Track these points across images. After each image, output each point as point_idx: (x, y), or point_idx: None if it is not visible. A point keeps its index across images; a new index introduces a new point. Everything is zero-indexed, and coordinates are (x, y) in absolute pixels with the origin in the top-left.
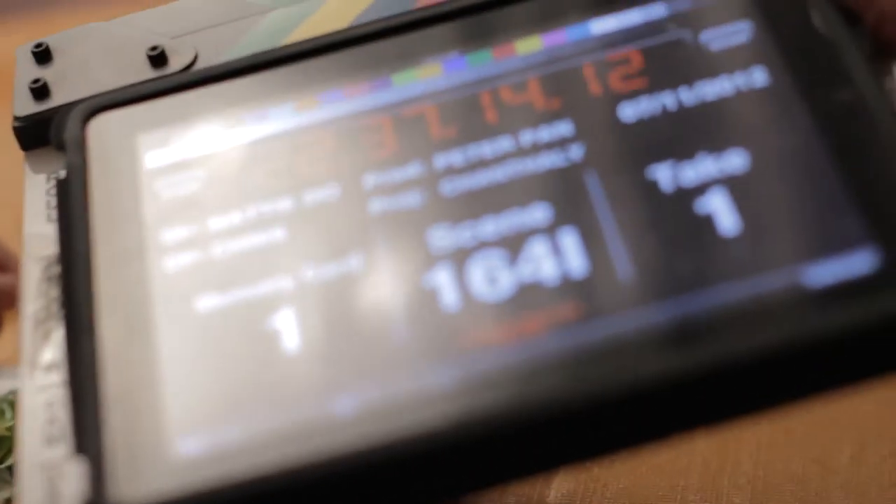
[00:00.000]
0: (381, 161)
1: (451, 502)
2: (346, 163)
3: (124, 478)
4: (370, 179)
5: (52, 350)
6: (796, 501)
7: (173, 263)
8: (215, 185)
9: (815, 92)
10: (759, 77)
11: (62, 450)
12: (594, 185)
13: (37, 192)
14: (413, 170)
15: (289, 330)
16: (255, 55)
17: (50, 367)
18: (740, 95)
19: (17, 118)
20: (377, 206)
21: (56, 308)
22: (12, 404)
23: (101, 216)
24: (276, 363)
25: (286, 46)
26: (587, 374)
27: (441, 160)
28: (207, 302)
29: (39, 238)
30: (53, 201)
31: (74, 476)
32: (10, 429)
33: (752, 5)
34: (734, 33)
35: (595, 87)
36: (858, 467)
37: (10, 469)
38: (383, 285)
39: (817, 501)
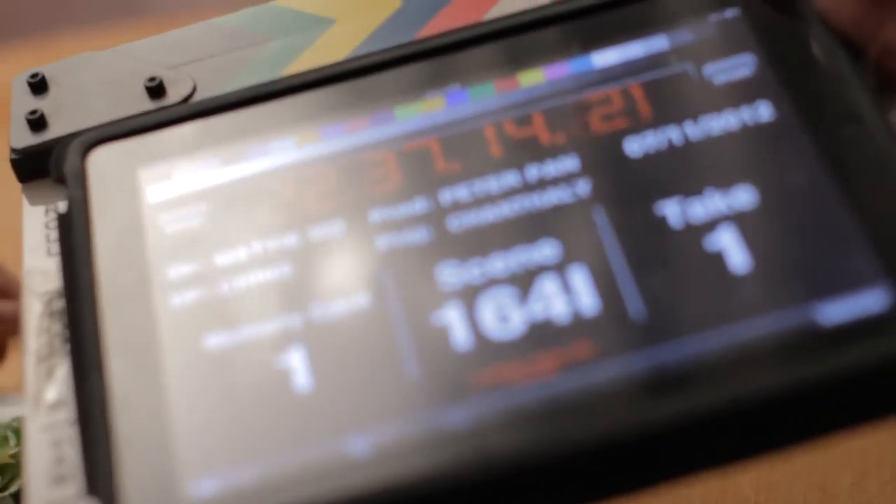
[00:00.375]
0: (386, 196)
1: None
2: (351, 198)
3: None
4: (376, 215)
5: (57, 387)
6: None
7: (180, 300)
8: (219, 219)
9: (821, 127)
10: (764, 112)
11: (71, 490)
12: (602, 221)
13: (35, 224)
14: (419, 205)
15: (299, 368)
16: (255, 87)
17: (55, 405)
18: (746, 130)
19: (14, 150)
20: (384, 241)
21: (59, 344)
22: (17, 431)
23: (104, 251)
24: (288, 402)
25: (287, 78)
26: (601, 414)
27: (447, 195)
28: (215, 340)
29: (40, 273)
30: (53, 234)
31: None
32: (15, 455)
33: (755, 38)
34: (737, 66)
35: (599, 122)
36: (859, 493)
37: (13, 496)
38: (393, 323)
39: None
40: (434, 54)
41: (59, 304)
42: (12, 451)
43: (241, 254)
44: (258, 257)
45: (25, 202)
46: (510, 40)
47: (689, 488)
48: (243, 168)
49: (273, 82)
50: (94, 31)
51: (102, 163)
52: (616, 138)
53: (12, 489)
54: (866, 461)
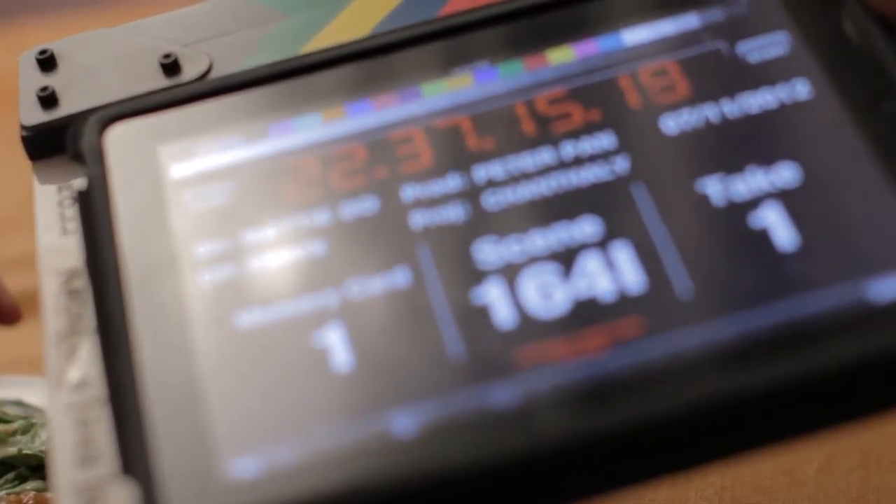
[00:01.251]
0: (418, 173)
1: None
2: (381, 175)
3: (177, 500)
4: (409, 192)
5: (81, 367)
6: None
7: (209, 278)
8: (246, 197)
9: (859, 103)
10: (801, 89)
11: (101, 470)
12: (643, 199)
13: (48, 203)
14: (453, 182)
15: (338, 346)
16: (277, 63)
17: (79, 386)
18: (784, 108)
19: (24, 127)
20: (419, 219)
21: (80, 323)
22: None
23: (126, 228)
24: (327, 381)
25: (309, 55)
26: (651, 392)
27: (481, 172)
28: (248, 318)
29: (55, 251)
30: (67, 212)
31: (122, 498)
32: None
33: (787, 15)
34: (771, 45)
35: (634, 99)
36: (826, 478)
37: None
38: (433, 301)
39: None
40: (461, 31)
41: (78, 282)
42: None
43: (270, 231)
44: (289, 234)
45: (36, 181)
46: (538, 18)
47: None
48: (268, 145)
49: (296, 59)
50: (99, 9)
51: (121, 139)
52: (652, 115)
53: None
54: (833, 446)
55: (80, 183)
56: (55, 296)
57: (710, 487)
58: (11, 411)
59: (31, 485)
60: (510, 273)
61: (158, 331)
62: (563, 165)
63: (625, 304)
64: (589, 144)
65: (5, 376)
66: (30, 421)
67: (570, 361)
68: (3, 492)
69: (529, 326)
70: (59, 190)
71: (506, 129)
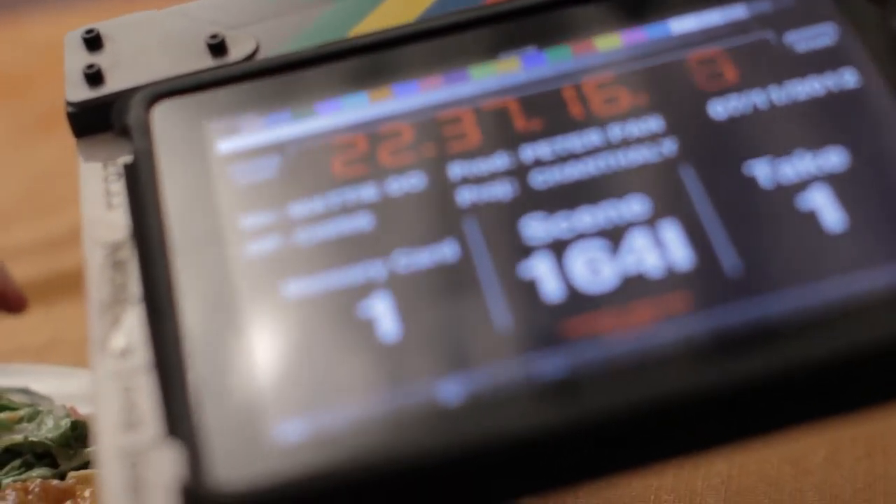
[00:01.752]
0: (465, 152)
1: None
2: (428, 153)
3: (223, 463)
4: (456, 169)
5: (125, 335)
6: (770, 502)
7: (255, 249)
8: (292, 171)
9: None
10: (849, 78)
11: (146, 434)
12: (691, 180)
13: (93, 178)
14: (500, 161)
15: (385, 316)
16: (324, 45)
17: (123, 353)
18: (832, 95)
19: (70, 104)
20: (466, 195)
21: (124, 293)
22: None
23: (173, 200)
24: (374, 349)
25: (356, 38)
26: (700, 366)
27: (528, 152)
28: (295, 288)
29: (100, 225)
30: (113, 187)
31: (167, 461)
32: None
33: (833, 8)
34: (818, 35)
35: (683, 85)
36: (832, 468)
37: None
38: (480, 274)
39: (791, 502)
40: (509, 17)
41: (122, 254)
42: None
43: (317, 204)
44: (336, 208)
45: (81, 157)
46: (586, 6)
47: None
48: (314, 123)
49: (343, 41)
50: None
51: (168, 115)
52: (700, 101)
53: None
54: (840, 436)
55: (127, 157)
56: (100, 267)
57: (717, 476)
58: (17, 399)
59: (37, 472)
60: (558, 248)
61: (204, 299)
62: (610, 147)
63: (673, 280)
64: (637, 127)
65: (11, 364)
66: (36, 409)
67: (617, 334)
68: (10, 479)
69: (577, 300)
70: (105, 166)
71: (553, 111)
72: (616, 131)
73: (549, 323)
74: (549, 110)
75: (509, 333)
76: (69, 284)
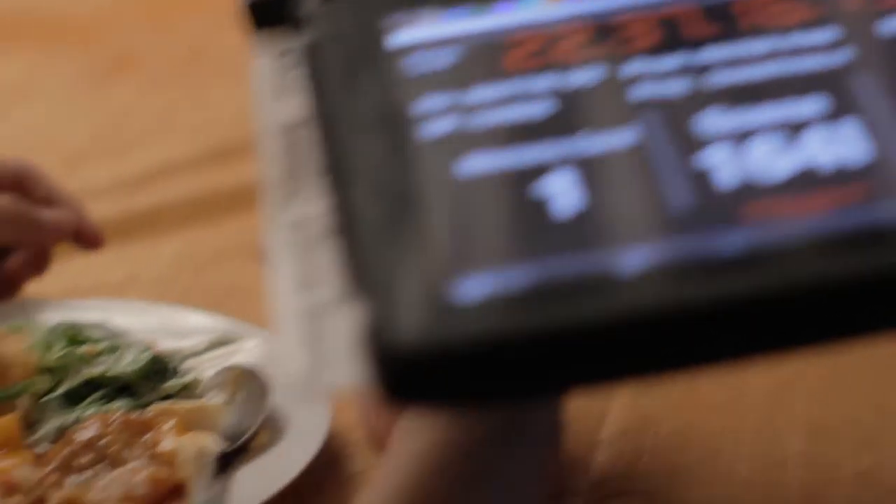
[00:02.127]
0: (641, 52)
1: None
2: (603, 52)
3: (406, 320)
4: (634, 66)
5: (300, 206)
6: (851, 443)
7: (430, 130)
8: (468, 62)
9: None
10: None
11: (325, 294)
12: (866, 83)
13: (269, 67)
14: (675, 61)
15: (564, 191)
16: None
17: (299, 223)
18: None
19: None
20: (642, 91)
21: (300, 170)
22: (65, 334)
23: (349, 84)
24: (554, 220)
25: None
26: (880, 251)
27: (703, 55)
28: (471, 165)
29: (276, 109)
30: (288, 75)
31: (347, 320)
32: (64, 357)
33: None
34: None
35: (856, 2)
36: None
37: (64, 396)
38: (657, 160)
39: (872, 443)
40: None
41: (297, 135)
42: (58, 355)
43: (494, 90)
44: (513, 95)
45: (258, 49)
46: None
47: (741, 402)
48: (491, 19)
49: None
50: None
51: (341, 8)
52: (871, 18)
53: (61, 390)
54: None
55: (303, 45)
56: (277, 148)
57: (797, 418)
58: (95, 334)
59: (117, 404)
60: (734, 140)
61: (381, 171)
62: (785, 53)
63: (851, 172)
64: (810, 37)
65: (88, 300)
66: (115, 342)
67: (795, 218)
68: (91, 411)
69: (754, 187)
70: (281, 55)
71: (731, 20)
72: (790, 40)
73: (727, 206)
74: (727, 19)
75: (688, 212)
76: (144, 223)
